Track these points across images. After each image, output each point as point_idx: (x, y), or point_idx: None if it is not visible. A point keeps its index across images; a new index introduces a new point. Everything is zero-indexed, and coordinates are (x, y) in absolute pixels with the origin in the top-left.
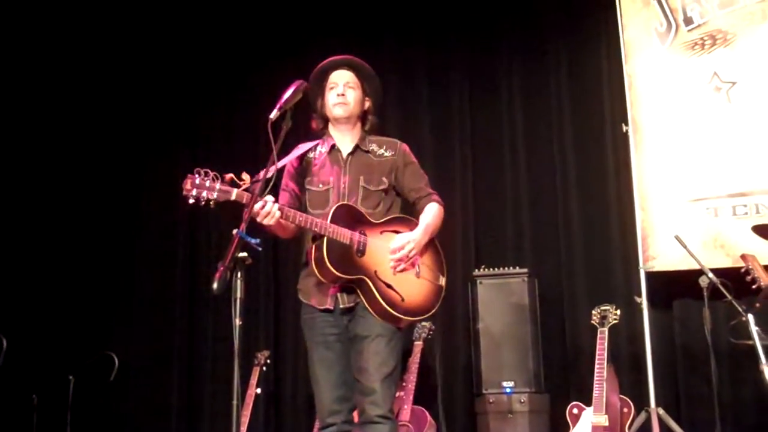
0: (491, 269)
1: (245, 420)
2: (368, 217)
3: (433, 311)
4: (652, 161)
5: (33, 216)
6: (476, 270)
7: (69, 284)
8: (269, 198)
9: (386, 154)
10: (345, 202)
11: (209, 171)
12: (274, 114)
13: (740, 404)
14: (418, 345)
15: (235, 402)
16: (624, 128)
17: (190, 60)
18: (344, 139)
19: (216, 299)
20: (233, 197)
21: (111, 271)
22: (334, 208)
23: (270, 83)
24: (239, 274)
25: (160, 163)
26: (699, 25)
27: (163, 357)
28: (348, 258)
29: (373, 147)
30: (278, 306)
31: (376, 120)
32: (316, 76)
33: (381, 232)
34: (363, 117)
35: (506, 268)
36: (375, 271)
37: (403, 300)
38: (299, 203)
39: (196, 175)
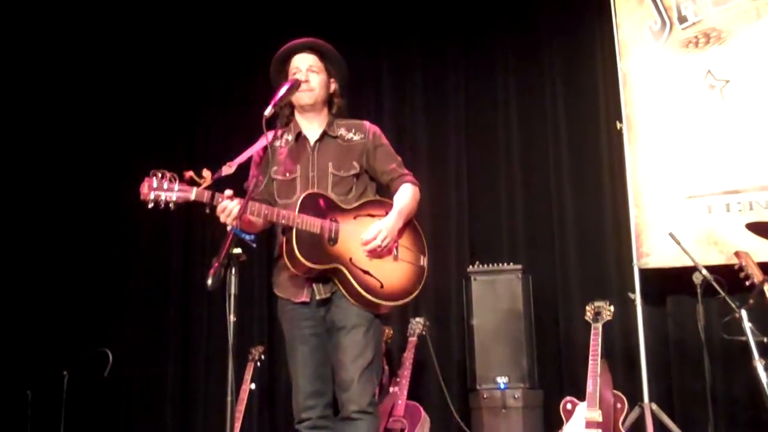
0: (485, 265)
1: (239, 415)
2: (339, 203)
3: (416, 293)
4: (646, 158)
5: (27, 212)
6: (470, 266)
7: (63, 280)
8: (228, 192)
9: (355, 137)
10: (314, 190)
11: (166, 172)
12: (268, 111)
13: (733, 400)
14: (412, 341)
15: (229, 398)
16: (618, 125)
17: (186, 56)
18: (311, 125)
19: (210, 295)
20: (193, 197)
21: (106, 266)
22: (302, 197)
23: (265, 80)
24: (233, 270)
25: (156, 160)
26: (693, 23)
27: (158, 353)
28: (320, 248)
29: (342, 131)
30: (272, 302)
31: (344, 102)
32: (278, 62)
33: (354, 217)
34: (329, 100)
35: (500, 265)
36: (350, 259)
37: (382, 286)
38: (266, 193)
39: (153, 178)
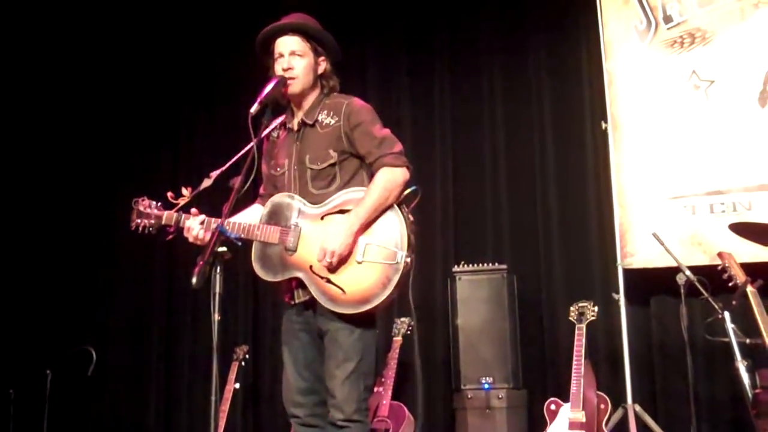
0: (470, 265)
1: (223, 415)
2: (309, 204)
3: (388, 293)
4: (631, 158)
5: (9, 211)
6: (455, 266)
7: (47, 279)
8: (193, 211)
9: (332, 122)
10: (281, 194)
11: (146, 198)
12: (254, 108)
13: (716, 400)
14: (397, 341)
15: (213, 397)
16: (603, 125)
17: (170, 56)
18: (299, 112)
19: (195, 294)
20: (163, 221)
21: (89, 265)
22: (267, 204)
23: (251, 78)
24: (218, 269)
25: (141, 159)
26: (678, 24)
27: (141, 352)
28: (279, 259)
29: (322, 116)
30: (257, 301)
31: (336, 80)
32: (261, 43)
33: (322, 218)
34: (320, 81)
35: (485, 264)
36: (310, 267)
37: (344, 292)
38: (270, 186)
39: (140, 206)
